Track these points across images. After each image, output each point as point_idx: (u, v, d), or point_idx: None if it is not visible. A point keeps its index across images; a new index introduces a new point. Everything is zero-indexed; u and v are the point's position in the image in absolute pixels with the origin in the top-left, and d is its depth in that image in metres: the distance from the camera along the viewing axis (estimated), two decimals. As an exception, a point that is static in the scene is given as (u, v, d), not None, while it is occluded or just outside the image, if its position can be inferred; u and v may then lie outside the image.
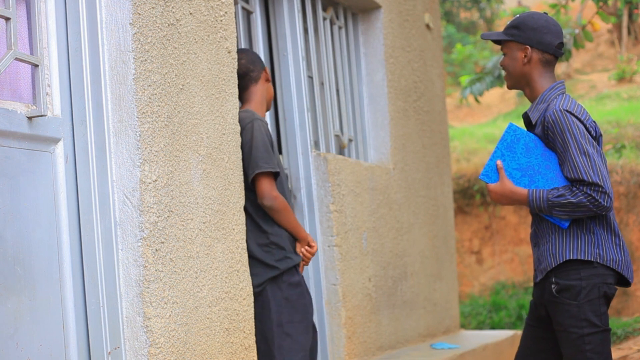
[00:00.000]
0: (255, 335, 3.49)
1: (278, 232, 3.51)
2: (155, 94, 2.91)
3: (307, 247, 3.59)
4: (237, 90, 3.41)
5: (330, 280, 4.33)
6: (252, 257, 3.48)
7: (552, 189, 2.92)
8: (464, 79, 7.53)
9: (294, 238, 3.57)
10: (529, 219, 9.34)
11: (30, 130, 2.68)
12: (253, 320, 3.38)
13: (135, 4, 2.84)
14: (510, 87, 3.14)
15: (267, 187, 3.43)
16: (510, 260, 9.79)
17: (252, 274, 3.45)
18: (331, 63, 4.80)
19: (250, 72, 3.65)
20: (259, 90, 3.68)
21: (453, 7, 17.19)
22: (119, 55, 2.83)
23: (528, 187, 2.98)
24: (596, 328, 2.89)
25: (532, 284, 9.06)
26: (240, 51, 3.69)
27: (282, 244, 3.51)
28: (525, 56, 3.02)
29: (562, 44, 3.05)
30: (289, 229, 3.52)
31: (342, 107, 4.90)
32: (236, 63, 3.43)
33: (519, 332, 5.98)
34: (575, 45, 6.61)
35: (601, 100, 12.15)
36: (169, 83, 2.98)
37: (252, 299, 3.37)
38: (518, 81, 3.08)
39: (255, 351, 3.37)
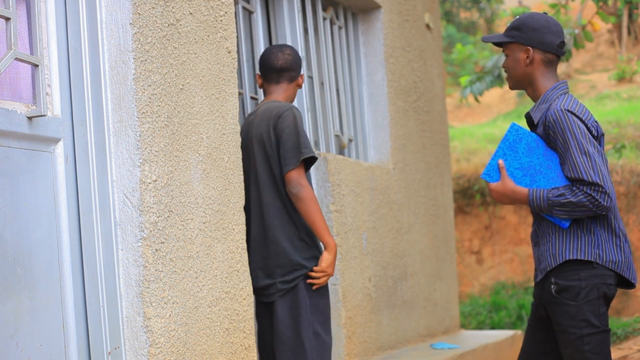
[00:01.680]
0: (287, 331, 3.43)
1: (310, 229, 3.48)
2: (155, 94, 2.91)
3: (316, 273, 3.46)
4: (237, 90, 3.41)
5: (331, 280, 4.33)
6: (282, 253, 3.44)
7: (552, 189, 2.92)
8: (464, 80, 7.52)
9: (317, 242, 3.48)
10: (529, 219, 9.34)
11: (30, 130, 2.68)
12: (253, 320, 3.37)
13: (135, 4, 2.84)
14: (512, 88, 3.14)
15: (295, 175, 3.39)
16: (510, 260, 9.79)
17: (282, 271, 3.42)
18: (331, 63, 4.79)
19: (291, 70, 3.63)
20: (289, 90, 3.66)
21: (453, 7, 17.18)
22: (119, 55, 2.83)
23: (529, 186, 2.98)
24: (595, 329, 2.88)
25: (532, 284, 9.07)
26: (289, 47, 3.68)
27: (312, 242, 3.48)
28: (527, 57, 3.01)
29: (563, 43, 3.04)
30: (310, 222, 3.41)
31: (342, 107, 4.90)
32: (236, 63, 3.43)
33: (519, 332, 5.98)
34: (575, 45, 6.61)
35: (601, 100, 12.15)
36: (169, 83, 2.98)
37: (252, 298, 3.37)
38: (520, 82, 3.08)
39: (255, 351, 3.37)
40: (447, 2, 16.41)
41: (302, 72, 3.72)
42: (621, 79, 13.20)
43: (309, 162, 3.49)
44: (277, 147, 3.45)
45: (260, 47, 4.26)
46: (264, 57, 3.68)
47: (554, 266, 2.93)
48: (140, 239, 2.80)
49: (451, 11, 17.14)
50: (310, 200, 3.40)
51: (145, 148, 2.84)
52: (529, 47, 3.01)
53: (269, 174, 3.47)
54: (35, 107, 2.72)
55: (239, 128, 3.40)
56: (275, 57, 3.63)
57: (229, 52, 3.36)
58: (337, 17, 4.95)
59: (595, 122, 2.99)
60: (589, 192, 2.85)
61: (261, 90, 3.89)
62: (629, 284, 3.01)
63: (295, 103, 4.32)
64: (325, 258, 3.45)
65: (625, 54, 13.87)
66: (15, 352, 2.56)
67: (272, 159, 3.46)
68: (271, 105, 3.52)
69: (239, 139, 3.39)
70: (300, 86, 3.71)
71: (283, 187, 3.45)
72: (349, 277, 4.42)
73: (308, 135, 4.33)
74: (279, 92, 3.63)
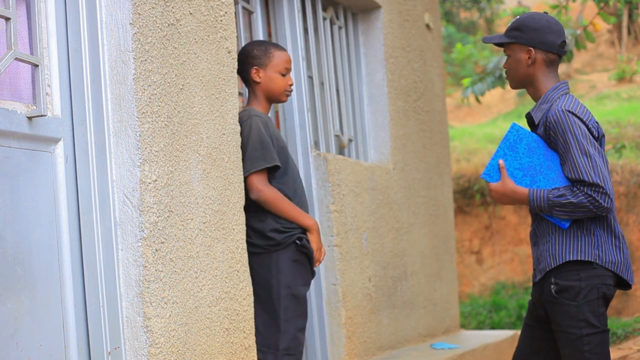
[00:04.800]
0: (262, 292, 3.46)
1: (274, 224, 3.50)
2: (155, 94, 2.91)
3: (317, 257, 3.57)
4: (237, 90, 3.41)
5: (330, 280, 4.33)
6: (256, 247, 3.48)
7: (552, 189, 2.92)
8: (466, 82, 7.50)
9: (303, 229, 3.53)
10: (529, 219, 9.33)
11: (30, 130, 2.68)
12: (253, 320, 3.37)
13: (135, 4, 2.83)
14: (514, 88, 3.14)
15: (253, 181, 3.42)
16: (510, 260, 9.79)
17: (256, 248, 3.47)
18: (331, 63, 4.79)
19: (241, 72, 3.63)
20: (253, 91, 3.64)
21: (453, 7, 17.18)
22: (119, 55, 2.83)
23: (529, 187, 2.98)
24: (595, 329, 2.89)
25: (532, 284, 9.08)
26: (243, 47, 3.68)
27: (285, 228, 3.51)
28: (529, 57, 3.01)
29: (564, 43, 3.04)
30: (288, 218, 3.48)
31: (342, 107, 4.90)
32: (236, 63, 3.43)
33: (519, 332, 5.97)
34: (577, 46, 6.61)
35: (601, 100, 12.15)
36: (169, 83, 2.98)
37: (252, 298, 3.37)
38: (522, 82, 3.08)
39: (255, 351, 3.37)
40: (447, 2, 16.40)
41: (254, 67, 3.60)
42: (621, 79, 13.20)
43: (275, 166, 3.50)
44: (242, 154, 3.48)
45: (260, 47, 4.25)
46: None
47: (553, 266, 2.93)
48: (140, 239, 2.80)
49: (451, 11, 17.14)
50: (275, 200, 3.44)
51: (145, 148, 2.84)
52: (531, 48, 3.00)
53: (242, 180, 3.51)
54: (35, 107, 2.72)
55: (239, 128, 3.40)
56: None
57: (229, 52, 3.36)
58: (337, 17, 4.95)
59: (596, 122, 2.98)
60: (589, 192, 2.85)
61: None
62: (626, 285, 3.01)
63: (295, 103, 4.32)
64: (311, 240, 3.53)
65: (625, 54, 13.87)
66: (15, 352, 2.56)
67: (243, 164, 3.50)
68: (239, 115, 3.52)
69: (239, 139, 3.40)
70: (255, 81, 3.61)
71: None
72: (349, 277, 4.42)
73: (307, 135, 4.33)
74: (250, 97, 3.67)
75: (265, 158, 3.44)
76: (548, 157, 2.95)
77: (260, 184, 3.43)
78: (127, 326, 2.80)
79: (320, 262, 3.61)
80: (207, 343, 3.06)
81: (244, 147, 3.44)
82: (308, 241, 3.54)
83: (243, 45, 4.07)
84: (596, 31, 6.86)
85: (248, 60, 3.63)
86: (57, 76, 2.82)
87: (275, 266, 3.47)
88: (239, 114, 3.53)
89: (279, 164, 3.48)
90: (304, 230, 3.54)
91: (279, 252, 3.48)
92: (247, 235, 3.49)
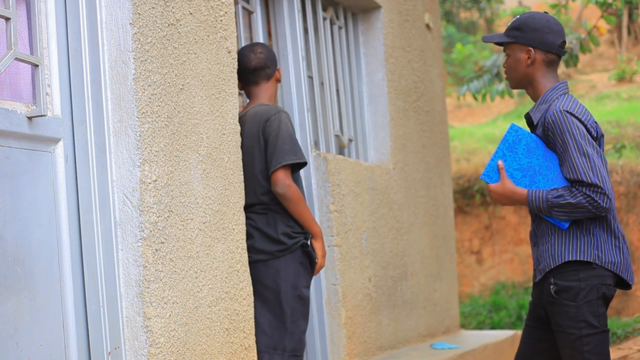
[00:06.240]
0: (269, 294, 3.48)
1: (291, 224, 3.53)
2: (155, 94, 2.91)
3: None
4: (237, 90, 3.41)
5: (330, 280, 4.33)
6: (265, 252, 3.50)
7: (551, 190, 2.92)
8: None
9: (308, 234, 3.57)
10: (529, 219, 9.31)
11: (30, 130, 2.68)
12: (253, 320, 3.38)
13: (135, 4, 2.84)
14: (513, 87, 3.14)
15: (281, 176, 3.43)
16: (510, 260, 9.79)
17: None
18: (331, 63, 4.79)
19: (265, 68, 3.63)
20: (270, 89, 3.67)
21: (453, 7, 17.18)
22: (119, 55, 2.83)
23: (529, 187, 2.98)
24: (594, 329, 2.88)
25: (532, 284, 9.08)
26: (260, 45, 3.70)
27: (295, 233, 3.53)
28: (528, 57, 3.01)
29: (564, 43, 3.04)
30: (300, 220, 3.51)
31: (342, 107, 4.90)
32: (236, 63, 3.43)
33: (519, 332, 5.98)
34: (581, 50, 6.60)
35: (601, 100, 12.15)
36: (169, 83, 2.98)
37: (252, 299, 3.37)
38: (521, 82, 3.07)
39: (255, 351, 3.37)
40: (447, 2, 16.40)
41: (278, 67, 3.71)
42: (621, 79, 13.21)
43: (297, 164, 3.53)
44: (265, 150, 3.48)
45: (260, 47, 4.25)
46: (238, 60, 3.68)
47: (553, 267, 2.93)
48: (140, 239, 2.80)
49: (451, 11, 17.14)
50: (299, 200, 3.47)
51: (145, 148, 2.84)
52: (531, 48, 3.00)
53: (253, 177, 3.50)
54: (35, 107, 2.72)
55: (239, 128, 3.40)
56: (248, 58, 3.65)
57: (229, 52, 3.36)
58: (337, 17, 4.95)
59: (595, 122, 2.98)
60: (588, 193, 2.84)
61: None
62: (626, 285, 3.01)
63: (295, 103, 4.32)
64: (316, 247, 3.58)
65: (625, 54, 13.88)
66: (15, 352, 2.56)
67: (258, 160, 3.48)
68: (259, 109, 3.54)
69: (239, 139, 3.39)
70: (279, 81, 3.71)
71: (268, 188, 3.49)
72: (349, 277, 4.43)
73: (307, 135, 4.34)
74: (262, 94, 3.66)
75: (296, 153, 3.46)
76: (547, 157, 2.95)
77: (288, 179, 3.45)
78: (127, 326, 2.80)
79: (321, 268, 3.64)
80: (207, 343, 3.06)
81: (273, 140, 3.45)
82: (312, 247, 3.56)
83: (250, 44, 4.07)
84: (600, 35, 6.85)
85: (275, 59, 3.69)
86: (57, 76, 2.82)
87: (283, 268, 3.48)
88: (263, 108, 3.54)
89: (306, 161, 3.51)
90: (307, 235, 3.56)
91: (286, 255, 3.49)
92: (253, 240, 3.49)
